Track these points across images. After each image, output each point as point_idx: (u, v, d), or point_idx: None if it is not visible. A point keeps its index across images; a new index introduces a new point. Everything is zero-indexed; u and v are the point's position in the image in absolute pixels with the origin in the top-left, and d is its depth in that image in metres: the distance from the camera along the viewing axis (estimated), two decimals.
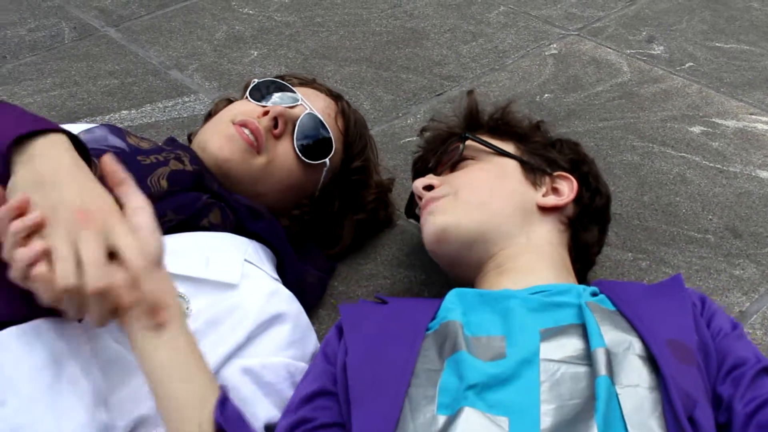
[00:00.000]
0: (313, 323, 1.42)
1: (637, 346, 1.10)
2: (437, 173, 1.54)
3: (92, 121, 2.19)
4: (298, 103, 1.56)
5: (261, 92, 1.58)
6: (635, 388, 1.04)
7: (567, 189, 1.45)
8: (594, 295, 1.23)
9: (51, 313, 1.04)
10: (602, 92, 2.37)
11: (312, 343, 1.37)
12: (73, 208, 0.99)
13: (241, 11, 2.82)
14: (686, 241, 1.83)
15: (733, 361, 1.13)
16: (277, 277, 1.43)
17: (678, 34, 2.68)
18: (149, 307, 1.00)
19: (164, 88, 2.39)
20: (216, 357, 1.21)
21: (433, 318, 1.22)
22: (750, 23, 2.75)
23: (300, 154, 1.53)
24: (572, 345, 1.11)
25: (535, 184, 1.44)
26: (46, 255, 0.95)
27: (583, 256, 1.49)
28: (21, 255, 0.95)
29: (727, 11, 2.82)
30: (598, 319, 1.13)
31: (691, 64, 2.51)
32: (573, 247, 1.45)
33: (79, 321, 1.08)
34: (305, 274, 1.56)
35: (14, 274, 0.97)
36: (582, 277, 1.50)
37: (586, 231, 1.46)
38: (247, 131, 1.47)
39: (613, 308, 1.19)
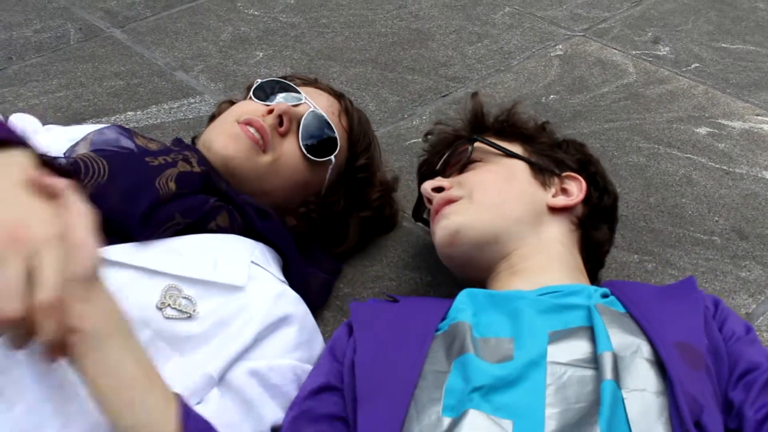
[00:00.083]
0: (318, 325, 1.42)
1: (645, 349, 1.10)
2: (445, 176, 1.54)
3: (98, 122, 2.19)
4: (302, 101, 1.57)
5: (265, 92, 1.58)
6: (642, 393, 1.04)
7: (576, 189, 1.45)
8: (605, 296, 1.23)
9: None
10: (608, 93, 2.37)
11: (318, 345, 1.37)
12: (5, 228, 0.92)
13: (246, 12, 2.82)
14: (692, 242, 1.83)
15: (745, 365, 1.12)
16: (283, 279, 1.43)
17: (684, 35, 2.67)
18: (60, 334, 0.94)
19: (170, 89, 2.39)
20: (223, 359, 1.21)
21: (444, 318, 1.22)
22: (756, 24, 2.75)
23: (306, 152, 1.53)
24: (580, 348, 1.11)
25: (545, 185, 1.44)
26: None
27: (594, 255, 1.49)
28: None
29: (733, 12, 2.82)
30: (607, 321, 1.13)
31: (697, 65, 2.51)
32: (584, 247, 1.45)
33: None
34: (310, 276, 1.56)
35: None
36: (593, 276, 1.50)
37: (596, 230, 1.47)
38: (252, 129, 1.47)
39: (623, 310, 1.19)
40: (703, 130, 2.20)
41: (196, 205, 1.34)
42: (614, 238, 1.56)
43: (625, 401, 1.02)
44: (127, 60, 2.54)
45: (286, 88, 1.59)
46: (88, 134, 1.43)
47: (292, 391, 1.26)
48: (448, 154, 1.56)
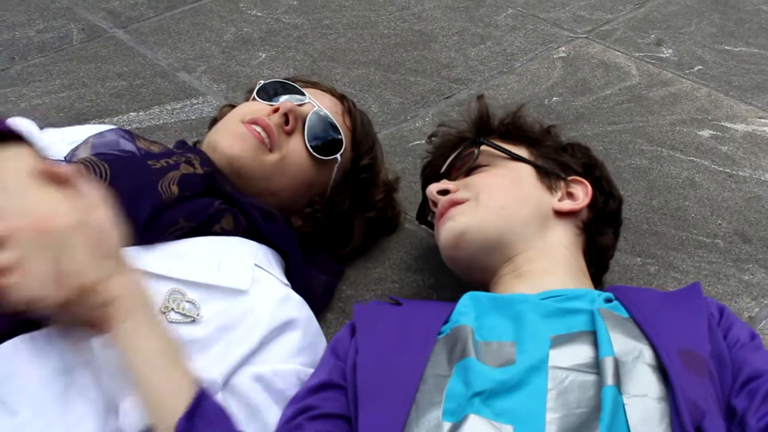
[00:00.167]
0: (321, 327, 1.42)
1: (647, 354, 1.10)
2: (450, 178, 1.54)
3: (100, 123, 2.19)
4: (307, 101, 1.57)
5: (268, 93, 1.59)
6: (643, 398, 1.04)
7: (582, 193, 1.45)
8: (608, 301, 1.23)
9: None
10: (611, 96, 2.36)
11: (322, 348, 1.36)
12: (36, 218, 0.99)
13: (249, 13, 2.82)
14: (695, 245, 1.82)
15: (749, 373, 1.12)
16: (287, 282, 1.42)
17: (687, 37, 2.67)
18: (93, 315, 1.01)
19: (172, 90, 2.39)
20: (227, 363, 1.20)
21: (446, 321, 1.22)
22: (759, 26, 2.75)
23: (311, 151, 1.53)
24: (582, 352, 1.11)
25: (551, 189, 1.44)
26: (9, 267, 0.96)
27: (598, 259, 1.49)
28: None
29: (736, 14, 2.82)
30: (610, 326, 1.12)
31: (700, 67, 2.50)
32: (588, 251, 1.45)
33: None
34: (312, 278, 1.56)
35: None
36: (597, 280, 1.50)
37: (601, 235, 1.47)
38: (258, 128, 1.48)
39: (626, 315, 1.19)
40: (706, 133, 2.19)
41: (201, 209, 1.34)
42: (618, 241, 1.56)
43: (626, 407, 1.02)
44: (129, 60, 2.53)
45: (290, 89, 1.60)
46: (89, 137, 1.43)
47: None
48: (453, 157, 1.55)
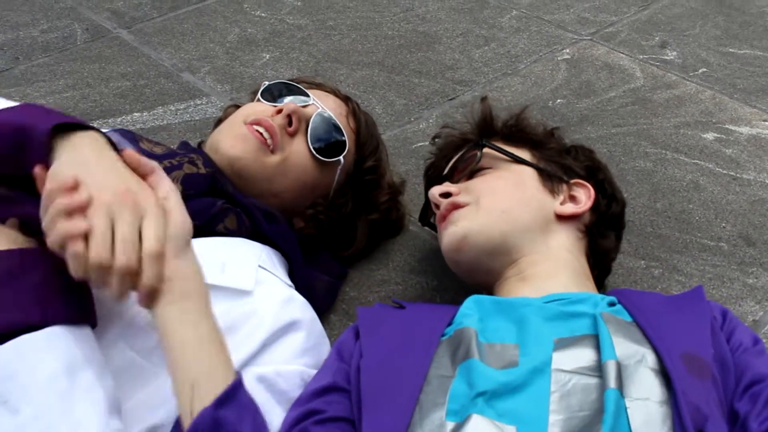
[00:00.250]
0: (324, 329, 1.42)
1: (650, 358, 1.10)
2: (453, 181, 1.53)
3: (104, 123, 2.19)
4: (310, 103, 1.57)
5: (272, 94, 1.59)
6: (645, 402, 1.04)
7: (584, 197, 1.45)
8: (611, 305, 1.23)
9: (65, 320, 1.04)
10: (615, 98, 2.36)
11: (326, 350, 1.36)
12: (116, 190, 1.04)
13: (253, 14, 2.82)
14: (699, 248, 1.82)
15: (752, 377, 1.12)
16: (290, 283, 1.42)
17: (691, 40, 2.67)
18: (150, 287, 1.03)
19: (176, 90, 2.39)
20: None
21: (450, 324, 1.22)
22: (764, 29, 2.74)
23: (314, 152, 1.53)
24: (585, 356, 1.11)
25: (553, 192, 1.44)
26: (86, 233, 1.00)
27: (601, 262, 1.49)
28: (62, 229, 0.99)
29: (740, 17, 2.81)
30: (612, 330, 1.12)
31: (705, 69, 2.50)
32: (591, 254, 1.44)
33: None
34: (315, 280, 1.56)
35: (51, 244, 1.01)
36: (600, 283, 1.50)
37: (604, 238, 1.47)
38: (261, 129, 1.48)
39: (629, 319, 1.19)
40: (710, 136, 2.19)
41: (204, 208, 1.34)
42: (621, 244, 1.56)
43: (629, 410, 1.02)
44: (133, 61, 2.54)
45: (294, 91, 1.59)
46: None
47: None
48: (456, 159, 1.55)
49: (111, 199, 1.02)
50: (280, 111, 1.51)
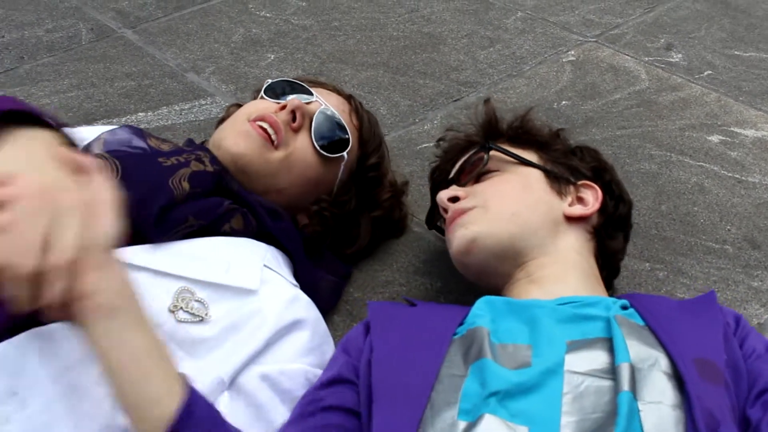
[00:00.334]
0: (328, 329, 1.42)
1: (663, 362, 1.09)
2: (459, 184, 1.53)
3: (109, 123, 2.19)
4: (314, 99, 1.57)
5: (276, 91, 1.59)
6: (658, 405, 1.04)
7: (592, 198, 1.44)
8: (624, 308, 1.22)
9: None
10: (620, 100, 2.36)
11: (330, 350, 1.36)
12: (41, 188, 0.97)
13: (258, 14, 2.82)
14: (704, 251, 1.82)
15: (764, 384, 1.12)
16: (295, 282, 1.43)
17: (696, 42, 2.66)
18: (61, 299, 0.96)
19: (181, 90, 2.39)
20: (234, 363, 1.21)
21: (461, 323, 1.22)
22: None
23: (318, 148, 1.53)
24: (598, 358, 1.10)
25: (561, 194, 1.44)
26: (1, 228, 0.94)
27: (609, 264, 1.48)
28: None
29: (746, 19, 2.81)
30: (626, 333, 1.12)
31: (710, 72, 2.50)
32: (599, 256, 1.44)
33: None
34: (320, 280, 1.56)
35: None
36: (608, 284, 1.49)
37: (612, 239, 1.46)
38: (265, 125, 1.48)
39: (642, 323, 1.18)
40: (715, 138, 2.19)
41: (210, 208, 1.34)
42: (627, 245, 1.55)
43: (641, 413, 1.02)
44: (138, 61, 2.54)
45: (297, 88, 1.60)
46: (101, 134, 1.44)
47: None
48: (462, 162, 1.55)
49: (34, 196, 0.97)
50: (283, 107, 1.52)
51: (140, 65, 2.51)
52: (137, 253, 1.22)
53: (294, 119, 1.51)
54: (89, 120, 2.21)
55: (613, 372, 1.07)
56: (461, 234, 1.40)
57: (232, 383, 1.21)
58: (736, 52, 2.61)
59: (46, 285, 0.94)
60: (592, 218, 1.44)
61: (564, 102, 2.35)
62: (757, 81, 2.45)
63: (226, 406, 1.18)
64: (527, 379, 1.08)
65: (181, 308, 1.20)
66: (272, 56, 2.56)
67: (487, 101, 1.61)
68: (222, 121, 1.66)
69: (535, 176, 1.46)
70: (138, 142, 1.43)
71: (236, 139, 1.47)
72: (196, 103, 2.32)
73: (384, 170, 1.70)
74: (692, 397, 1.03)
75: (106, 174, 1.06)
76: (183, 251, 1.27)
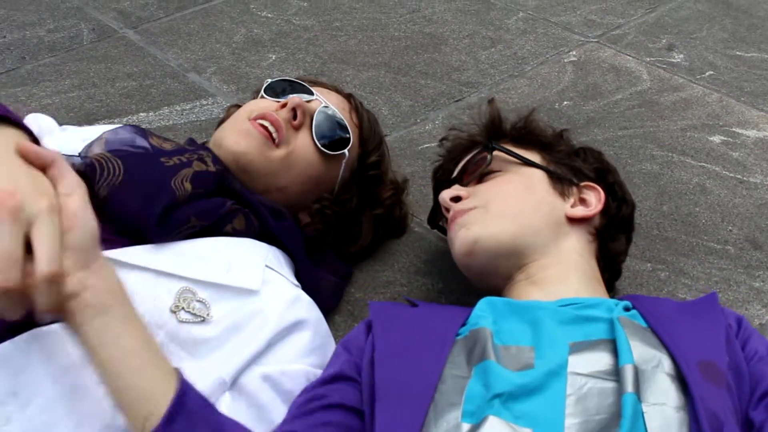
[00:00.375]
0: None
1: (666, 364, 1.09)
2: (462, 183, 1.53)
3: (110, 123, 2.18)
4: (314, 98, 1.57)
5: (275, 90, 1.59)
6: (662, 407, 1.03)
7: (594, 199, 1.44)
8: (626, 310, 1.22)
9: None
10: (622, 100, 2.36)
11: (331, 350, 1.36)
12: (6, 196, 0.90)
13: (259, 14, 2.82)
14: (706, 252, 1.81)
15: (767, 386, 1.11)
16: (297, 283, 1.43)
17: (698, 43, 2.66)
18: (52, 306, 0.94)
19: (182, 90, 2.39)
20: (236, 363, 1.20)
21: (463, 324, 1.22)
22: None
23: (319, 146, 1.53)
24: (601, 360, 1.10)
25: (563, 195, 1.43)
26: None
27: (611, 265, 1.48)
28: None
29: (748, 20, 2.81)
30: (629, 334, 1.12)
31: (712, 72, 2.50)
32: (601, 257, 1.44)
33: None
34: (321, 280, 1.56)
35: None
36: (609, 286, 1.49)
37: (614, 241, 1.46)
38: (266, 123, 1.48)
39: (645, 325, 1.18)
40: (717, 139, 2.19)
41: (212, 208, 1.34)
42: (630, 246, 1.55)
43: (645, 415, 1.02)
44: (139, 61, 2.54)
45: (297, 88, 1.60)
46: (103, 134, 1.44)
47: None
48: (465, 162, 1.55)
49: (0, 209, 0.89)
50: (284, 105, 1.52)
51: (142, 65, 2.51)
52: (139, 254, 1.22)
53: (295, 117, 1.51)
54: (91, 120, 2.21)
55: (616, 373, 1.07)
56: (463, 235, 1.40)
57: (233, 384, 1.21)
58: (737, 53, 2.61)
59: (34, 295, 0.91)
60: (595, 220, 1.44)
61: (565, 102, 2.35)
62: (758, 81, 2.45)
63: (228, 407, 1.18)
64: (530, 381, 1.08)
65: (183, 308, 1.20)
66: (273, 56, 2.56)
67: (491, 101, 1.60)
68: (222, 121, 1.66)
69: (538, 177, 1.46)
70: (140, 142, 1.43)
71: (237, 137, 1.47)
72: (198, 103, 2.32)
73: (384, 168, 1.70)
74: (696, 399, 1.02)
75: (67, 167, 1.01)
76: (185, 252, 1.27)
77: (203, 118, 2.25)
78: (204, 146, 1.51)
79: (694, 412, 1.02)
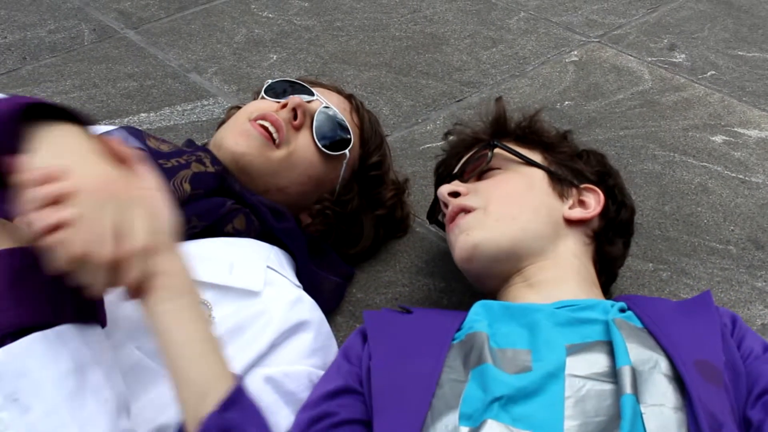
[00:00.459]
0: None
1: (663, 364, 1.09)
2: (462, 180, 1.53)
3: (111, 124, 2.18)
4: (315, 98, 1.57)
5: (276, 91, 1.60)
6: (660, 408, 1.03)
7: (594, 202, 1.44)
8: (622, 311, 1.22)
9: (75, 319, 1.04)
10: (623, 100, 2.35)
11: (333, 351, 1.36)
12: (101, 180, 1.01)
13: (260, 14, 2.82)
14: (708, 252, 1.81)
15: (765, 385, 1.11)
16: (299, 283, 1.42)
17: (700, 42, 2.66)
18: (138, 282, 1.00)
19: (183, 91, 2.38)
20: (238, 365, 1.19)
21: (459, 329, 1.21)
22: None
23: (320, 146, 1.53)
24: (598, 362, 1.10)
25: (562, 196, 1.43)
26: (69, 222, 0.96)
27: (607, 269, 1.48)
28: (48, 217, 0.96)
29: (749, 19, 2.80)
30: (625, 336, 1.12)
31: (713, 72, 2.49)
32: (598, 260, 1.44)
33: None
34: (322, 280, 1.56)
35: (32, 233, 0.98)
36: (605, 289, 1.49)
37: (611, 245, 1.45)
38: (267, 123, 1.48)
39: (640, 325, 1.18)
40: (719, 139, 2.18)
41: (213, 208, 1.34)
42: (628, 251, 1.55)
43: (644, 416, 1.02)
44: (140, 61, 2.54)
45: (298, 88, 1.60)
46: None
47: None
48: (466, 158, 1.54)
49: (96, 189, 0.99)
50: (284, 106, 1.52)
51: (142, 66, 2.51)
52: None
53: (295, 117, 1.51)
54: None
55: (613, 375, 1.07)
56: (463, 240, 1.39)
57: None
58: (739, 53, 2.60)
59: (121, 270, 0.98)
60: (593, 222, 1.43)
61: (567, 102, 2.34)
62: (760, 81, 2.44)
63: None
64: (529, 384, 1.08)
65: None
66: (275, 57, 2.56)
67: (498, 99, 1.60)
68: (223, 123, 1.66)
69: (538, 177, 1.46)
70: (134, 143, 1.42)
71: (237, 138, 1.47)
72: (199, 103, 2.32)
73: (386, 169, 1.70)
74: (694, 399, 1.02)
75: (147, 163, 1.08)
76: (186, 253, 1.27)
77: (204, 119, 2.25)
78: (202, 147, 1.51)
79: (693, 413, 1.02)
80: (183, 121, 2.24)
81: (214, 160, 1.43)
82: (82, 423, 1.02)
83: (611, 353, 1.10)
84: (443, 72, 2.49)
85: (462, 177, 1.54)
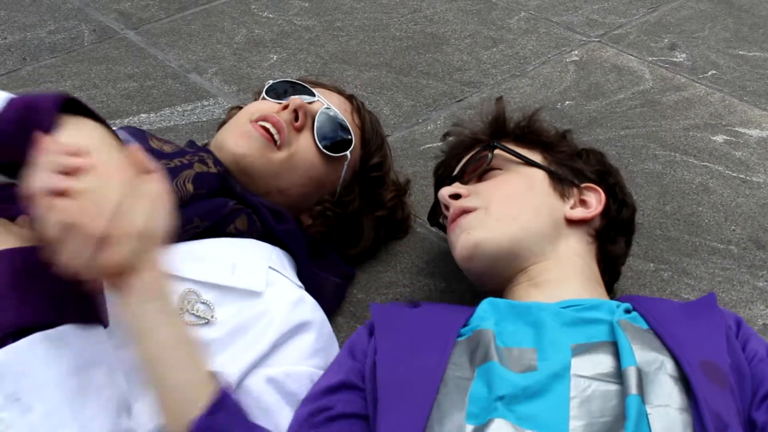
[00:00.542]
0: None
1: (668, 365, 1.09)
2: (463, 181, 1.52)
3: (111, 124, 2.18)
4: (316, 99, 1.57)
5: (277, 92, 1.59)
6: (665, 409, 1.03)
7: (595, 201, 1.44)
8: (627, 311, 1.22)
9: (77, 319, 1.04)
10: (624, 100, 2.35)
11: (335, 352, 1.36)
12: (114, 168, 1.03)
13: (260, 15, 2.82)
14: (709, 251, 1.81)
15: None
16: (300, 284, 1.42)
17: (700, 42, 2.66)
18: (120, 267, 1.01)
19: (183, 91, 2.38)
20: (240, 365, 1.20)
21: (465, 325, 1.21)
22: None
23: (321, 147, 1.53)
24: (603, 362, 1.10)
25: (563, 196, 1.43)
26: (74, 192, 0.98)
27: (610, 268, 1.48)
28: (53, 181, 0.98)
29: (750, 19, 2.80)
30: (630, 337, 1.12)
31: (714, 72, 2.49)
32: (601, 259, 1.43)
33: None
34: (323, 280, 1.56)
35: (32, 195, 0.99)
36: (609, 288, 1.49)
37: (613, 243, 1.45)
38: (268, 125, 1.48)
39: (645, 326, 1.18)
40: (720, 138, 2.18)
41: (215, 209, 1.34)
42: (630, 249, 1.55)
43: (649, 417, 1.02)
44: (140, 62, 2.53)
45: (299, 89, 1.60)
46: None
47: None
48: (466, 160, 1.54)
49: (109, 173, 1.02)
50: (285, 107, 1.52)
51: (143, 66, 2.51)
52: None
53: (296, 118, 1.51)
54: None
55: (619, 376, 1.07)
56: (464, 239, 1.39)
57: (238, 386, 1.21)
58: (740, 52, 2.60)
59: (108, 249, 0.98)
60: (595, 221, 1.43)
61: (567, 102, 2.34)
62: (761, 81, 2.44)
63: None
64: (534, 383, 1.08)
65: (187, 310, 1.20)
66: (275, 57, 2.56)
67: (499, 99, 1.60)
68: (224, 123, 1.66)
69: (539, 177, 1.45)
70: (137, 144, 1.42)
71: (238, 140, 1.47)
72: (199, 104, 2.32)
73: (387, 169, 1.70)
74: (700, 400, 1.02)
75: (164, 177, 1.10)
76: (188, 253, 1.27)
77: (204, 119, 2.25)
78: (204, 148, 1.51)
79: (698, 414, 1.02)
80: (183, 122, 2.24)
81: (216, 160, 1.43)
82: (84, 423, 1.02)
83: (616, 354, 1.10)
84: (444, 72, 2.48)
85: (462, 178, 1.54)
